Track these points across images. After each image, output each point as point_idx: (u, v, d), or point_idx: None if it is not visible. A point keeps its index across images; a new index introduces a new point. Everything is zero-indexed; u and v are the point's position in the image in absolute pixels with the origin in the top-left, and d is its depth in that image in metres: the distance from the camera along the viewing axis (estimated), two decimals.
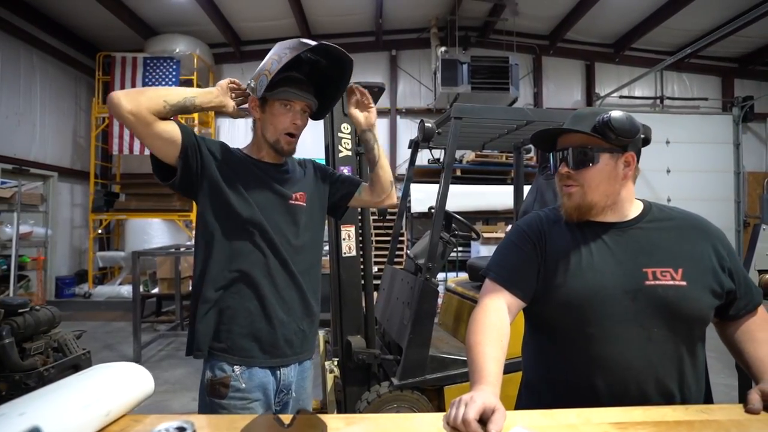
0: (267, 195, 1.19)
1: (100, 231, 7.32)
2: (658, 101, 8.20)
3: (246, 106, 1.21)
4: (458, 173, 6.63)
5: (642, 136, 1.01)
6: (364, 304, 2.28)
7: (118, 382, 0.78)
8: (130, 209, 6.99)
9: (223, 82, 1.19)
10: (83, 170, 7.39)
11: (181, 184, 1.15)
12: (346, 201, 1.39)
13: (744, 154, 8.04)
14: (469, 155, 6.69)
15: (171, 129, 1.09)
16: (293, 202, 1.23)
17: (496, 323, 0.94)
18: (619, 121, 0.92)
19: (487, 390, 0.79)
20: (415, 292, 2.15)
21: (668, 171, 7.98)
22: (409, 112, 7.81)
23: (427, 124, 2.20)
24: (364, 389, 2.16)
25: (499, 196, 5.99)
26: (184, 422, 0.54)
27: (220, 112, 1.20)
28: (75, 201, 7.47)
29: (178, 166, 1.12)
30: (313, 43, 1.11)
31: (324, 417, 0.76)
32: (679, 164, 7.95)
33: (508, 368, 2.17)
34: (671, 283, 0.91)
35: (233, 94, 1.20)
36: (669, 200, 7.93)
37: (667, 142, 8.00)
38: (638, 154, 1.01)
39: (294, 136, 1.21)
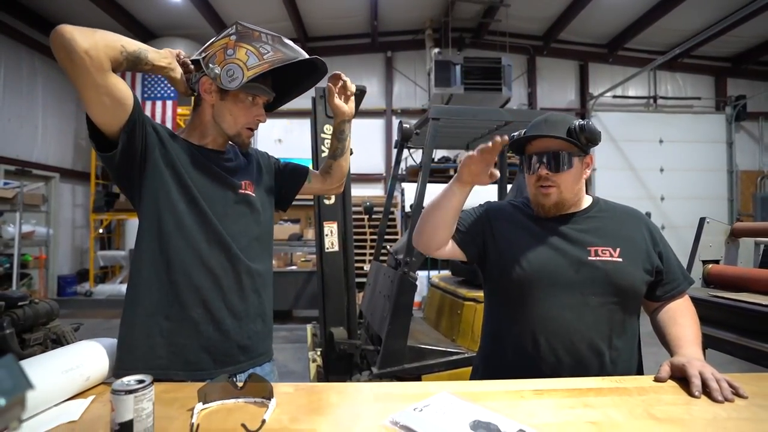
0: (214, 185, 1.07)
1: (101, 231, 7.46)
2: (651, 101, 8.27)
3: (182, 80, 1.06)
4: (452, 172, 6.74)
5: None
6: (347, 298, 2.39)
7: (98, 354, 0.89)
8: (130, 209, 7.12)
9: (171, 50, 1.04)
10: (84, 171, 7.53)
11: (120, 165, 0.97)
12: (295, 192, 1.29)
13: (737, 153, 8.12)
14: (463, 155, 6.79)
15: (124, 88, 0.92)
16: (243, 191, 1.12)
17: None
18: (591, 128, 1.07)
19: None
20: (395, 286, 2.25)
21: (661, 170, 8.06)
22: (405, 113, 7.91)
23: (405, 125, 2.30)
24: (346, 378, 2.26)
25: (490, 194, 6.08)
26: (144, 376, 0.66)
27: (168, 79, 1.05)
28: (76, 201, 7.62)
29: (121, 140, 0.94)
30: (300, 50, 1.05)
31: (277, 384, 0.87)
32: (672, 163, 8.03)
33: (470, 361, 2.28)
34: (609, 258, 1.06)
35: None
36: (662, 199, 8.01)
37: (661, 141, 8.08)
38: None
39: (254, 129, 1.13)
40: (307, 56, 1.06)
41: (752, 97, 8.01)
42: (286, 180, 1.27)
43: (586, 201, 1.17)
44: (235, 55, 1.02)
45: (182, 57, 1.06)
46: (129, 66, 0.93)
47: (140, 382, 0.64)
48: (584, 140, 1.07)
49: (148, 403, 0.64)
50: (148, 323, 0.98)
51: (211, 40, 1.08)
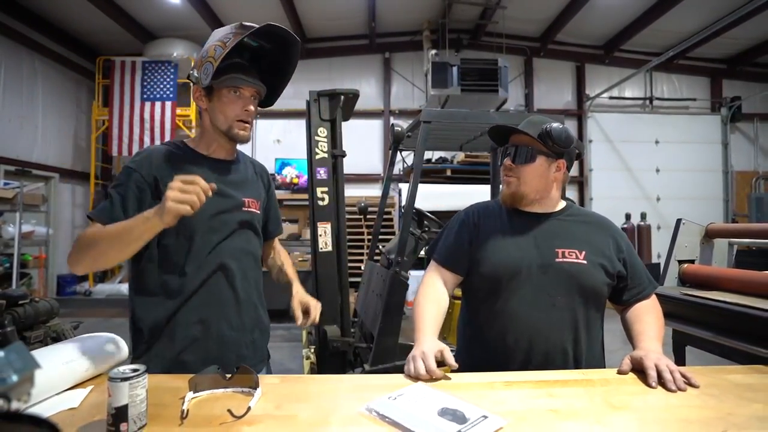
0: (218, 201, 1.08)
1: None
2: (647, 102, 8.32)
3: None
4: (449, 173, 6.80)
5: (576, 150, 1.22)
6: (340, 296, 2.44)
7: (98, 347, 0.95)
8: None
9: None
10: (84, 171, 7.58)
11: None
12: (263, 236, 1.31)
13: (732, 154, 8.18)
14: (460, 156, 6.85)
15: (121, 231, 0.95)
16: (246, 209, 1.16)
17: (433, 294, 1.18)
18: (557, 132, 1.13)
19: (429, 338, 1.02)
20: (386, 285, 2.31)
21: (657, 170, 8.12)
22: (403, 113, 7.97)
23: (396, 128, 2.36)
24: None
25: (487, 195, 6.14)
26: (138, 365, 0.72)
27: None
28: (76, 201, 7.67)
29: None
30: (255, 25, 1.08)
31: (263, 376, 0.93)
32: (668, 164, 8.09)
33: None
34: (575, 261, 1.12)
35: None
36: (658, 199, 8.07)
37: (657, 142, 8.14)
38: (570, 164, 1.23)
39: (247, 122, 1.14)
40: (258, 26, 1.09)
41: (747, 99, 8.06)
42: (266, 220, 1.32)
43: (560, 205, 1.23)
44: (208, 53, 1.10)
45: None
46: None
47: (134, 370, 0.70)
48: (550, 142, 1.13)
49: (142, 390, 0.70)
50: (154, 352, 1.05)
51: None
